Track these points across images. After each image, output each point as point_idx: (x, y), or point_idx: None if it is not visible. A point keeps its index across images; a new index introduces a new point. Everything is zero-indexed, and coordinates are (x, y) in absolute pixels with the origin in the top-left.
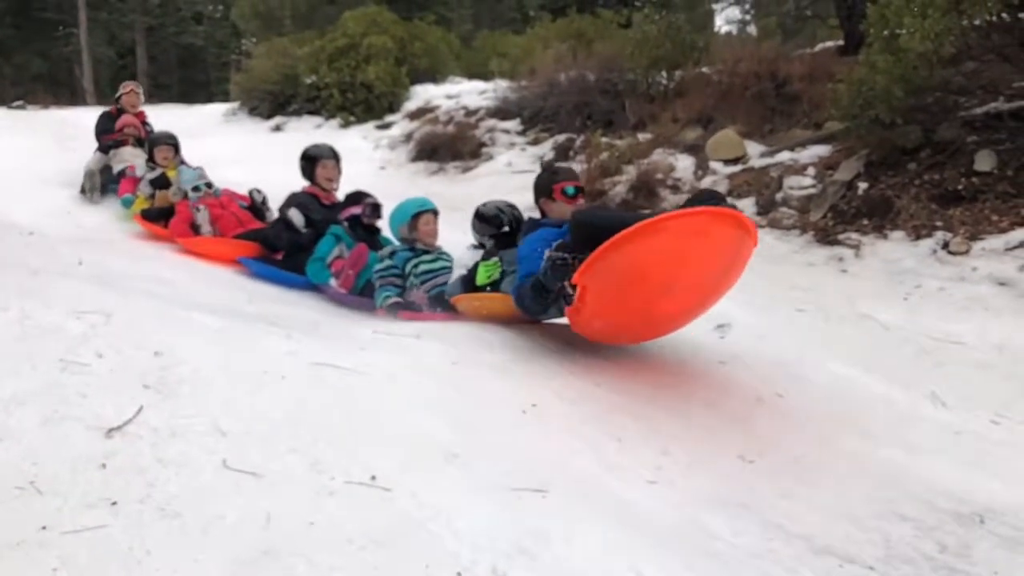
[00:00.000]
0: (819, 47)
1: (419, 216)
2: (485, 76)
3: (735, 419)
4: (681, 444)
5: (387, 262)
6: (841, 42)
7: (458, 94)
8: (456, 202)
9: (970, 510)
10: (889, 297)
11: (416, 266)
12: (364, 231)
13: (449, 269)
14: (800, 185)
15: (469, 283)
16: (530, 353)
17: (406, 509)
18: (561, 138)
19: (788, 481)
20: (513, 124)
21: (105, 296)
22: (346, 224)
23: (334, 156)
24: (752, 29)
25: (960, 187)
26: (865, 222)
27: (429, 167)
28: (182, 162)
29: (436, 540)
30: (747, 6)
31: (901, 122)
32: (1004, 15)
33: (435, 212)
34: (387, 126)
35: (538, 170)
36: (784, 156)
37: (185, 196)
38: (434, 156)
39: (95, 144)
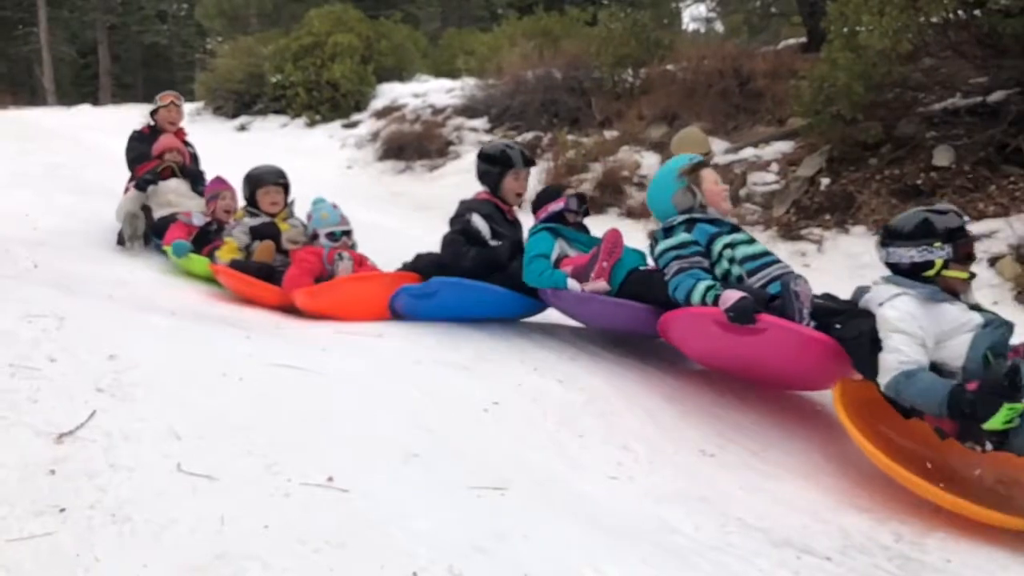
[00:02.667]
0: (783, 44)
1: (699, 170)
2: (452, 74)
3: (696, 414)
4: (642, 440)
5: (682, 235)
6: (804, 39)
7: (425, 92)
8: (423, 201)
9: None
10: (850, 290)
11: (731, 247)
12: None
13: (776, 259)
14: (764, 181)
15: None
16: (493, 352)
17: (362, 510)
18: (528, 136)
19: (748, 474)
20: (480, 122)
21: (59, 299)
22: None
23: (528, 165)
24: (719, 26)
25: (919, 182)
26: (827, 217)
27: (396, 166)
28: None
29: (392, 540)
30: (713, 3)
31: (862, 118)
32: (960, 12)
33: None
34: (353, 125)
35: None
36: (748, 153)
37: (312, 241)
38: (401, 155)
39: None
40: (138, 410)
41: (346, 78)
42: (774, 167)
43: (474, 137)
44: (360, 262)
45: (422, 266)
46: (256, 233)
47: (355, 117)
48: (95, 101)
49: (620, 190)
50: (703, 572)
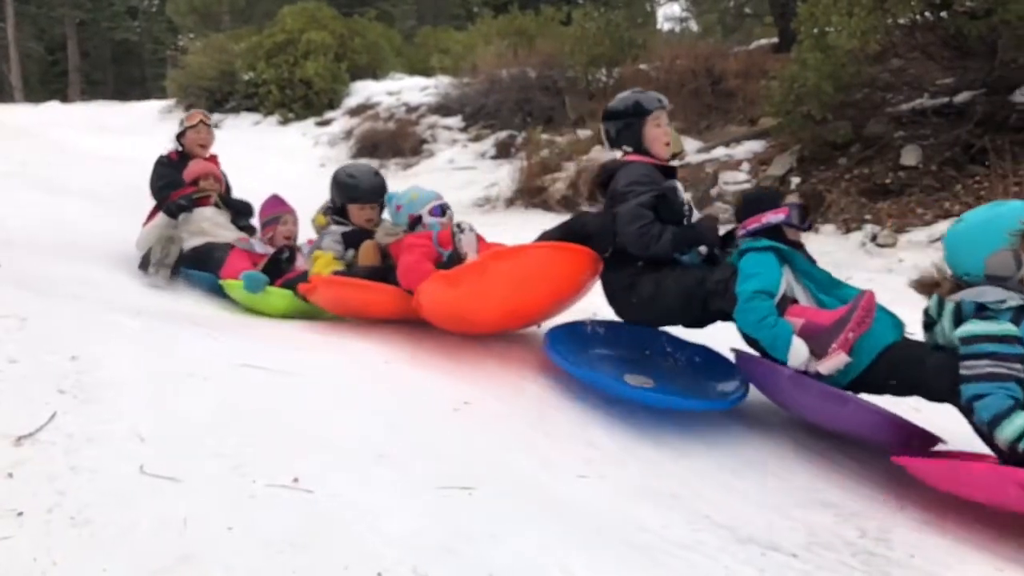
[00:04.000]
0: (755, 44)
1: None
2: (427, 73)
3: (666, 412)
4: (611, 437)
5: (1007, 326)
6: (776, 39)
7: (399, 91)
8: None
9: (892, 495)
10: None
11: None
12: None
13: None
14: (735, 180)
15: None
16: (464, 351)
17: (329, 511)
18: (502, 135)
19: (717, 472)
20: (455, 121)
21: (22, 298)
22: (741, 243)
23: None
24: (694, 26)
25: (888, 181)
26: None
27: (370, 164)
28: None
29: (358, 541)
30: (687, 3)
31: (831, 118)
32: (927, 14)
33: None
34: (327, 123)
35: (479, 167)
36: (720, 152)
37: (413, 227)
38: (375, 153)
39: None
40: (101, 412)
41: (319, 76)
42: (745, 166)
43: (448, 136)
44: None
45: (577, 230)
46: (349, 241)
47: (328, 115)
48: (64, 98)
49: (593, 189)
50: (671, 570)
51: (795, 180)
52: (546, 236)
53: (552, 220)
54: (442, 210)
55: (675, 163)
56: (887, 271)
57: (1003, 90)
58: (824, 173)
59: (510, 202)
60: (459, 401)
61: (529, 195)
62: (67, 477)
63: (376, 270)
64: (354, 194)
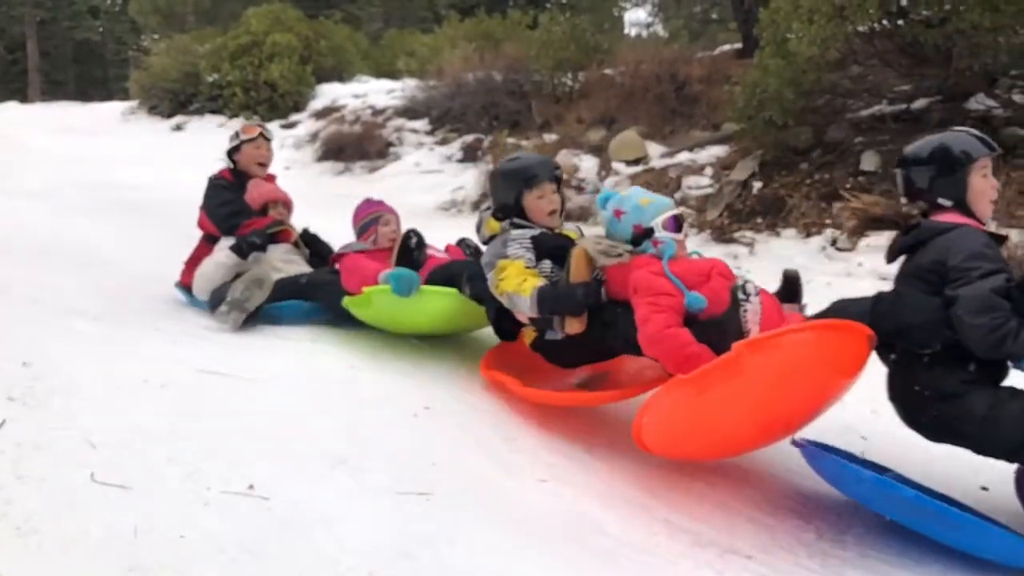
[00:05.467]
0: (719, 50)
1: None
2: (393, 75)
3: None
4: (576, 442)
5: None
6: (739, 45)
7: (365, 93)
8: None
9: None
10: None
11: None
12: None
13: None
14: (698, 185)
15: None
16: (429, 357)
17: (285, 517)
18: (469, 138)
19: (679, 476)
20: (421, 124)
21: None
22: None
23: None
24: (661, 31)
25: (848, 186)
26: (759, 220)
27: (335, 167)
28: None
29: (313, 547)
30: (653, 9)
31: (793, 123)
32: (885, 22)
33: None
34: (292, 125)
35: (445, 170)
36: (683, 156)
37: (637, 243)
38: (340, 156)
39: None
40: (52, 419)
41: (284, 78)
42: (708, 171)
43: (415, 139)
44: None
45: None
46: (542, 246)
47: (294, 118)
48: (24, 98)
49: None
50: (627, 573)
51: (757, 185)
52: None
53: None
54: (678, 224)
55: (638, 168)
56: (846, 275)
57: (959, 97)
58: (785, 178)
59: (476, 205)
60: (420, 406)
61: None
62: (14, 486)
63: (592, 290)
64: (526, 175)
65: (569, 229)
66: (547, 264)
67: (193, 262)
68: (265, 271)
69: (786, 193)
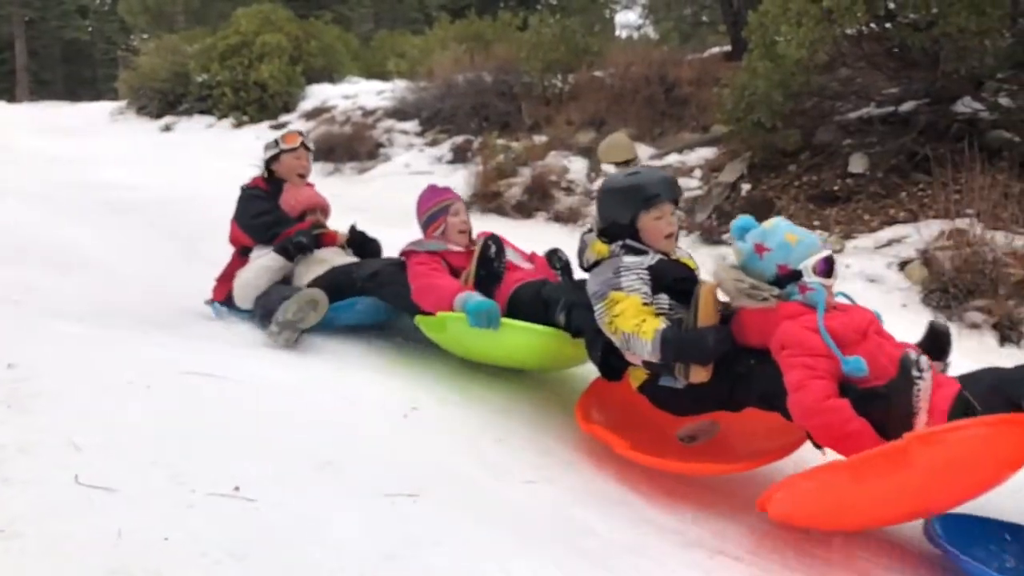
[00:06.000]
0: (708, 52)
1: None
2: (383, 76)
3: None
4: (563, 443)
5: None
6: (729, 48)
7: (355, 94)
8: (353, 204)
9: None
10: None
11: None
12: None
13: None
14: (687, 187)
15: None
16: (417, 358)
17: (270, 520)
18: (459, 139)
19: (666, 477)
20: (411, 125)
21: None
22: None
23: None
24: (652, 33)
25: (836, 188)
26: None
27: (325, 168)
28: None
29: (300, 550)
30: (643, 11)
31: (781, 125)
32: (872, 25)
33: None
34: (282, 126)
35: (435, 171)
36: (672, 158)
37: (782, 285)
38: (330, 156)
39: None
40: (36, 422)
41: (274, 78)
42: (697, 173)
43: (405, 140)
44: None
45: None
46: (659, 275)
47: (283, 118)
48: (11, 98)
49: (548, 195)
50: (615, 574)
51: (745, 187)
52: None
53: (508, 225)
54: (829, 266)
55: (628, 170)
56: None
57: (945, 100)
58: (774, 180)
59: (467, 207)
60: (408, 407)
61: (485, 200)
62: None
63: (722, 338)
64: (646, 193)
65: (683, 255)
66: (664, 299)
67: (226, 278)
68: (318, 292)
69: (774, 195)
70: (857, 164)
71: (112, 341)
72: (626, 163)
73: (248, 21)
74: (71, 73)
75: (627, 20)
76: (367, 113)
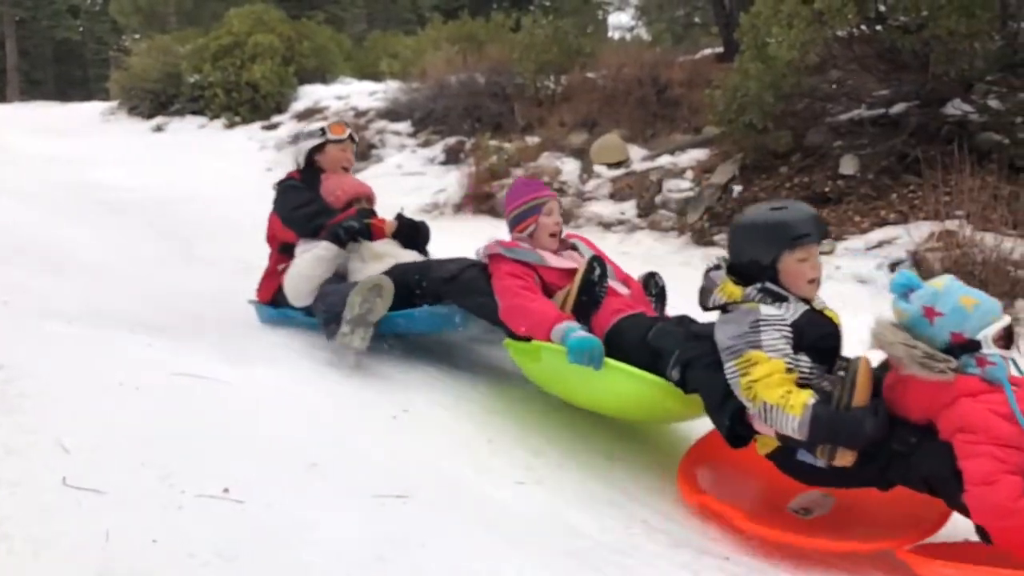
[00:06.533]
0: (700, 54)
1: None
2: (376, 77)
3: (609, 420)
4: (554, 444)
5: None
6: (721, 49)
7: (348, 95)
8: None
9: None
10: None
11: None
12: None
13: None
14: (679, 188)
15: None
16: (409, 361)
17: (259, 521)
18: (451, 140)
19: (656, 477)
20: (404, 126)
21: None
22: None
23: None
24: (645, 35)
25: (827, 189)
26: None
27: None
28: None
29: (288, 551)
30: (636, 12)
31: (773, 127)
32: (863, 27)
33: None
34: (274, 127)
35: (427, 172)
36: (664, 160)
37: (955, 355)
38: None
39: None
40: (25, 423)
41: (266, 79)
42: (689, 174)
43: (397, 141)
44: None
45: None
46: (803, 335)
47: (276, 119)
48: (2, 98)
49: None
50: (603, 574)
51: (737, 188)
52: None
53: (501, 226)
54: (1009, 336)
55: (620, 171)
56: (826, 278)
57: (935, 102)
58: (765, 181)
59: (458, 208)
60: (399, 409)
61: (477, 201)
62: None
63: (881, 422)
64: (794, 232)
65: (822, 304)
66: (805, 361)
67: (271, 276)
68: (381, 276)
69: (766, 196)
70: (848, 166)
71: (103, 342)
72: (618, 164)
73: (240, 22)
74: (62, 73)
75: (620, 21)
76: (359, 114)
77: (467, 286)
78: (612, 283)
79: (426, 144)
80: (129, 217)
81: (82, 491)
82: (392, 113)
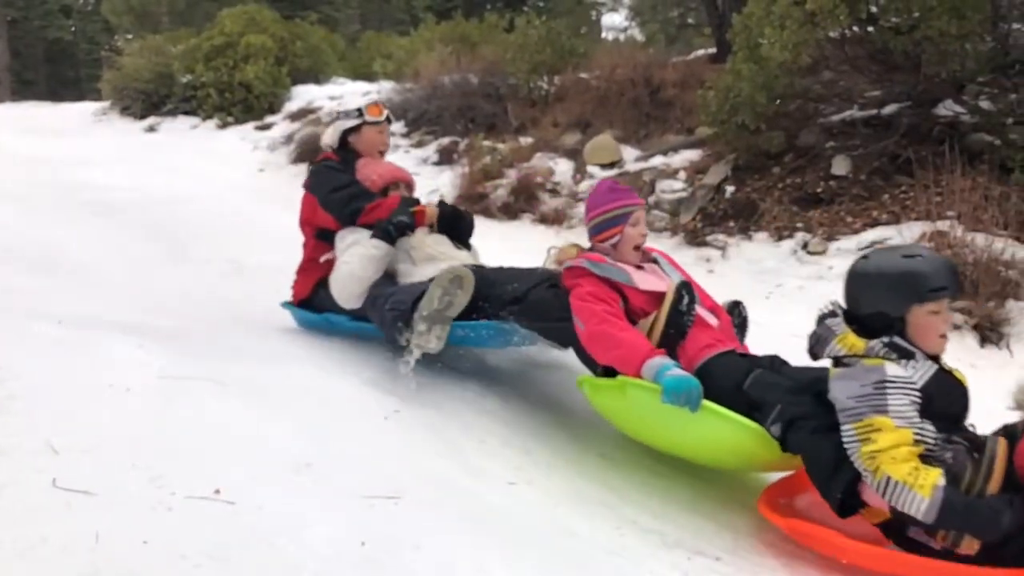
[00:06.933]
0: (693, 55)
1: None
2: (369, 77)
3: (599, 419)
4: (544, 444)
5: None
6: (714, 50)
7: (341, 95)
8: None
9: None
10: (752, 296)
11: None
12: None
13: None
14: (672, 189)
15: None
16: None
17: (250, 522)
18: (445, 141)
19: (647, 476)
20: (397, 126)
21: None
22: None
23: None
24: (638, 35)
25: (819, 190)
26: (731, 224)
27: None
28: None
29: (278, 553)
30: (630, 13)
31: (765, 128)
32: (855, 28)
33: None
34: (267, 127)
35: (421, 173)
36: (657, 160)
37: None
38: (316, 158)
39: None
40: (13, 424)
41: (259, 79)
42: (682, 175)
43: (390, 141)
44: None
45: None
46: (931, 400)
47: (268, 119)
48: None
49: (534, 196)
50: (593, 575)
51: (730, 188)
52: None
53: (494, 227)
54: None
55: (613, 172)
56: (818, 278)
57: (927, 103)
58: (758, 182)
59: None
60: (390, 410)
61: (471, 201)
62: None
63: (1018, 513)
64: (929, 284)
65: (952, 366)
66: (930, 430)
67: (309, 270)
68: (461, 267)
69: (758, 197)
70: (840, 166)
71: (93, 343)
72: (611, 165)
73: (233, 22)
74: (54, 73)
75: (613, 22)
76: None
77: (538, 309)
78: (699, 310)
79: (419, 144)
80: (120, 217)
81: (72, 492)
82: None
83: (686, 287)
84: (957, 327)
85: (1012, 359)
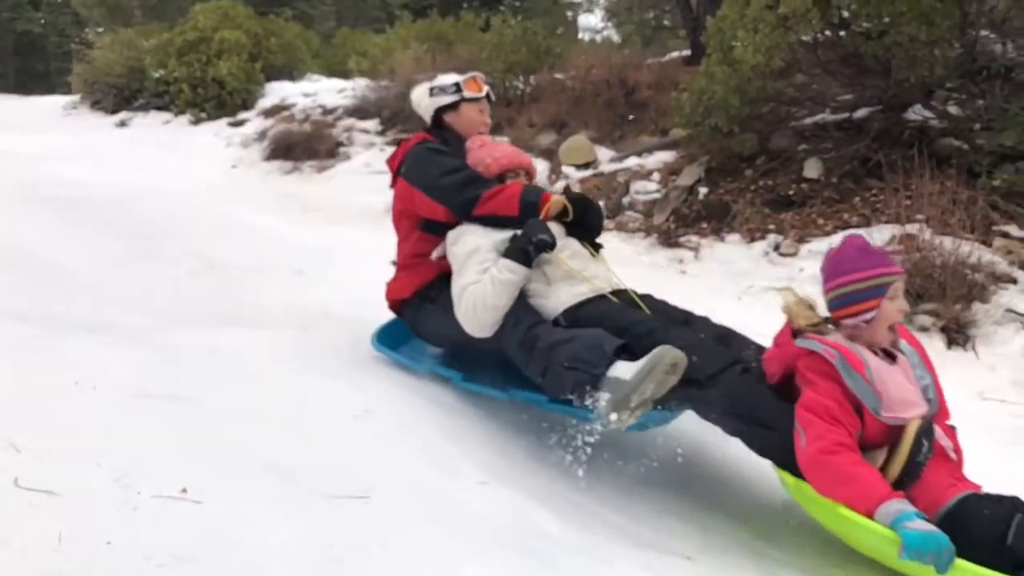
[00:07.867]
0: (668, 57)
1: None
2: (344, 75)
3: (571, 420)
4: (519, 444)
5: None
6: (688, 52)
7: (315, 92)
8: (311, 203)
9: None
10: (725, 297)
11: None
12: None
13: None
14: (646, 190)
15: None
16: (371, 360)
17: (216, 522)
18: None
19: (619, 477)
20: (372, 124)
21: None
22: None
23: None
24: (614, 36)
25: (791, 192)
26: (704, 225)
27: (284, 166)
28: None
29: (244, 553)
30: (605, 14)
31: (738, 130)
32: (827, 32)
33: None
34: (240, 123)
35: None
36: (632, 162)
37: None
38: (289, 155)
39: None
40: None
41: (233, 75)
42: (656, 176)
43: (365, 139)
44: None
45: None
46: None
47: (242, 115)
48: None
49: None
50: (565, 575)
51: (703, 190)
52: None
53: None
54: None
55: (588, 172)
56: (788, 279)
57: (897, 107)
58: (731, 184)
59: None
60: (361, 409)
61: None
62: None
63: None
64: None
65: None
66: None
67: (413, 267)
68: (677, 352)
69: (731, 199)
70: (812, 169)
71: (58, 341)
72: (586, 165)
73: (206, 17)
74: (23, 66)
75: (589, 23)
76: (327, 111)
77: (728, 404)
78: (939, 437)
79: (395, 142)
80: (89, 214)
81: (34, 492)
82: (360, 111)
83: (926, 433)
84: (925, 329)
85: (978, 360)
